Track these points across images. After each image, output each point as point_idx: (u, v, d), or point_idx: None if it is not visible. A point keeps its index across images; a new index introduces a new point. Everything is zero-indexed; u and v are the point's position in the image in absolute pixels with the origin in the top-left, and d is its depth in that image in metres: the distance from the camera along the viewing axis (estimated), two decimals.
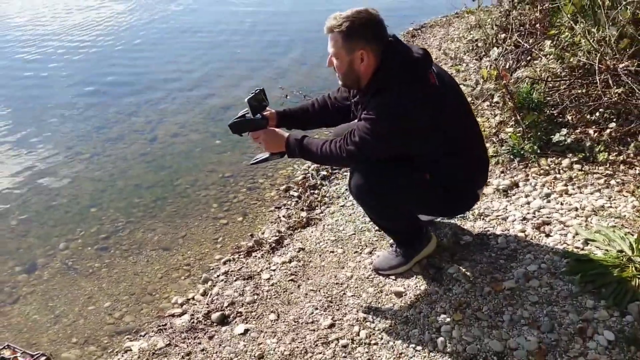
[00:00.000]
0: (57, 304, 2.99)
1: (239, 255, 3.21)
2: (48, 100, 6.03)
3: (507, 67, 4.37)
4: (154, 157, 4.60)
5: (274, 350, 2.36)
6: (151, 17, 9.54)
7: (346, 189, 3.71)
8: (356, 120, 2.32)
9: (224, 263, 3.16)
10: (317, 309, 2.57)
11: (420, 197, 2.40)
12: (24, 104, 5.98)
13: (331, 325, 2.45)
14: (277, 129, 2.49)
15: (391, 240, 2.75)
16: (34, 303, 3.01)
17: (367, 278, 2.74)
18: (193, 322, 2.65)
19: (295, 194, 3.84)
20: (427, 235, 2.69)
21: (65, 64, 7.25)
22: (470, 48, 5.75)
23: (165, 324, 2.68)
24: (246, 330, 2.52)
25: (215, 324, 2.62)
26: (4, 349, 2.29)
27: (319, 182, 3.94)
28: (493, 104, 4.18)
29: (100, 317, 2.86)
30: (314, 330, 2.44)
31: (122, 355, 2.53)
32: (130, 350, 2.54)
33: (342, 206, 3.53)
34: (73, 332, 2.78)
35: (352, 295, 2.63)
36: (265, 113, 2.52)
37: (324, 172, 4.03)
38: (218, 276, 3.02)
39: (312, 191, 3.83)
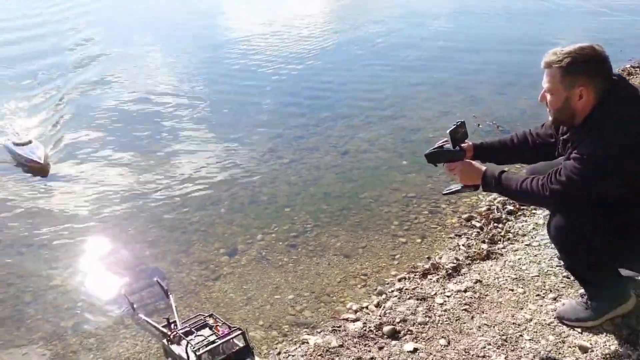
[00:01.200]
0: (250, 287, 3.39)
1: (415, 275, 3.28)
2: (259, 108, 6.82)
3: None
4: (343, 169, 4.92)
5: None
6: (358, 41, 10.10)
7: (533, 228, 3.57)
8: (562, 159, 2.24)
9: (399, 280, 3.26)
10: (490, 344, 2.52)
11: (628, 250, 2.21)
12: (239, 110, 6.83)
13: None
14: (473, 162, 2.51)
15: (582, 290, 2.57)
16: (232, 283, 3.45)
17: (549, 325, 2.60)
18: (365, 330, 2.78)
19: (478, 224, 3.79)
20: (625, 292, 2.46)
21: (276, 78, 8.09)
22: None
23: (340, 326, 2.86)
24: (415, 349, 2.57)
25: (385, 336, 2.72)
26: (209, 317, 2.67)
27: (503, 216, 3.83)
28: None
29: (284, 307, 3.17)
30: None
31: (299, 346, 2.77)
32: (307, 342, 2.77)
33: (527, 245, 3.39)
34: (260, 315, 3.12)
35: (530, 339, 2.52)
36: (462, 145, 2.56)
37: (511, 207, 3.90)
38: (392, 291, 3.13)
39: (495, 224, 3.74)
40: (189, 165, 5.20)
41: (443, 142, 2.58)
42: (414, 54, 8.83)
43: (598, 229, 2.16)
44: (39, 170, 5.09)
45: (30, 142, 5.43)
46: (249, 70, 8.55)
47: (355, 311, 3.02)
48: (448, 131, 2.49)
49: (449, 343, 2.59)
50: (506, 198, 3.79)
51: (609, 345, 2.38)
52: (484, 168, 2.44)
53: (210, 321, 2.61)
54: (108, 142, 5.83)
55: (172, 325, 2.86)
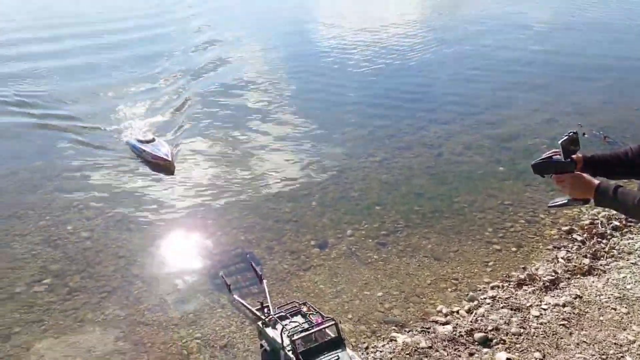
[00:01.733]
0: (340, 281, 3.45)
1: (509, 284, 3.20)
2: (353, 106, 6.86)
3: None
4: (437, 171, 4.87)
5: None
6: (459, 45, 9.86)
7: None
8: None
9: (492, 288, 3.20)
10: None
11: None
12: (333, 108, 6.90)
13: None
14: (585, 175, 2.40)
15: None
16: (322, 275, 3.54)
17: None
18: (455, 335, 2.76)
19: (579, 238, 3.62)
20: None
21: (371, 76, 8.12)
22: None
23: (429, 328, 2.86)
24: None
25: (476, 342, 2.69)
26: (303, 305, 2.76)
27: (608, 231, 3.63)
28: None
29: (373, 303, 3.21)
30: None
31: (388, 343, 2.80)
32: (395, 340, 2.80)
33: (633, 264, 3.20)
34: (349, 309, 3.18)
35: None
36: (572, 156, 2.46)
37: (617, 223, 3.69)
38: (484, 298, 3.07)
39: (598, 239, 3.55)
40: (283, 160, 5.35)
41: (552, 152, 2.47)
42: (517, 62, 8.54)
43: None
44: (165, 166, 5.22)
45: (153, 139, 5.64)
46: (345, 69, 8.64)
47: (446, 314, 3.00)
48: (560, 142, 2.37)
49: (544, 357, 2.51)
50: (614, 213, 3.60)
51: None
52: (596, 182, 2.32)
53: (304, 309, 2.70)
54: (214, 139, 6.07)
55: (265, 310, 2.99)
